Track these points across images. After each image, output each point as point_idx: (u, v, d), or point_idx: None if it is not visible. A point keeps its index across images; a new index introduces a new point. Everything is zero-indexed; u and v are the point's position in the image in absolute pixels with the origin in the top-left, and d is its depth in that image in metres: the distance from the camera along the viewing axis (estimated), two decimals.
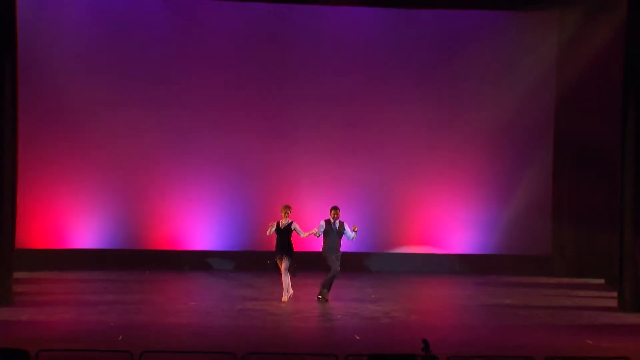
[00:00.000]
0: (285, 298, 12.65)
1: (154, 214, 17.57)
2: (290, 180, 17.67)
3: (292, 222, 12.70)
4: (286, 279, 12.67)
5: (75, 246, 17.41)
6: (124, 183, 17.49)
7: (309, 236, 12.97)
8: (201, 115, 17.65)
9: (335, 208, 12.79)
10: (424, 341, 7.32)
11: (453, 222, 17.92)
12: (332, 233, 12.69)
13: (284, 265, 12.61)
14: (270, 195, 17.60)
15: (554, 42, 17.69)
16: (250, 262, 17.33)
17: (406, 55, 17.82)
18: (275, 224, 12.72)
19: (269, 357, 8.38)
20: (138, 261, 17.47)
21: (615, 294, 13.27)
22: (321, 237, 12.85)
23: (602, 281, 16.49)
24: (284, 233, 12.63)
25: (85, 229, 17.50)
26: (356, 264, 17.69)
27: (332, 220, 12.72)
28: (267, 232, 12.84)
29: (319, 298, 12.78)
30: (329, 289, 12.87)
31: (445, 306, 13.52)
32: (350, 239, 12.88)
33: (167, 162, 17.62)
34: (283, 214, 12.70)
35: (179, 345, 9.17)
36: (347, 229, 12.76)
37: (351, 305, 12.76)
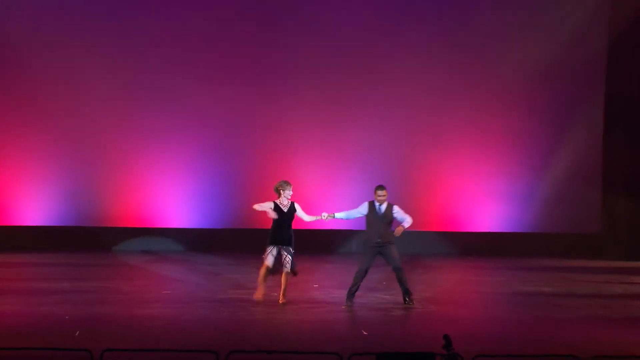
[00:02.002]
0: (282, 299, 12.05)
1: (119, 184, 17.62)
2: (283, 145, 17.68)
3: (294, 203, 12.16)
4: (287, 275, 12.08)
5: (22, 223, 17.47)
6: (82, 148, 17.52)
7: (315, 220, 12.28)
8: (176, 68, 17.62)
9: (380, 187, 12.04)
10: (446, 337, 7.37)
11: (481, 195, 17.97)
12: (376, 219, 11.99)
13: (284, 259, 12.10)
14: (258, 162, 17.63)
15: None
16: (234, 242, 17.40)
17: None
18: (273, 204, 12.12)
19: (259, 356, 8.45)
20: (99, 241, 17.55)
21: None
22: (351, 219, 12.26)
23: None
24: (287, 217, 12.11)
25: (34, 203, 17.54)
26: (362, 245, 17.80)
27: (376, 203, 12.02)
28: (271, 215, 12.11)
29: (347, 305, 12.04)
30: (352, 294, 12.11)
31: (471, 295, 13.60)
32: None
33: (135, 123, 17.63)
34: (282, 193, 12.09)
35: (149, 343, 9.24)
36: (399, 213, 11.99)
37: (357, 294, 12.83)
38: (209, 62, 17.69)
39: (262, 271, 12.06)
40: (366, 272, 12.16)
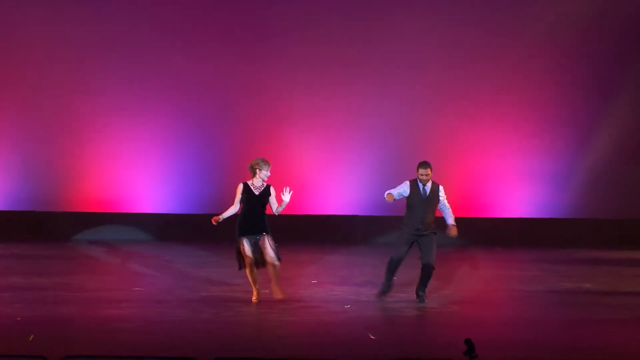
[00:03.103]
0: (281, 294, 12.02)
1: (77, 161, 17.67)
2: (275, 116, 17.72)
3: (269, 186, 12.00)
4: (274, 264, 11.89)
5: None
6: (36, 118, 17.55)
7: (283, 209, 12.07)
8: (149, 22, 17.61)
9: (423, 165, 12.08)
10: (468, 342, 7.46)
11: (509, 174, 18.03)
12: (420, 202, 12.02)
13: (267, 247, 11.85)
14: (244, 136, 17.68)
15: None
16: (213, 230, 17.44)
17: None
18: (242, 185, 12.02)
19: None
20: (55, 229, 17.62)
21: None
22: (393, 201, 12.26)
23: None
24: (258, 201, 11.93)
25: None
26: (371, 233, 17.87)
27: (419, 183, 12.05)
28: (235, 200, 12.00)
29: (381, 292, 12.23)
30: (388, 283, 12.22)
31: (498, 293, 13.69)
32: (446, 214, 12.13)
33: (99, 88, 17.64)
34: (258, 173, 11.94)
35: (117, 348, 9.33)
36: (444, 198, 12.07)
37: (363, 291, 12.91)
38: (185, 18, 17.70)
39: (248, 268, 11.96)
40: (399, 263, 12.17)
